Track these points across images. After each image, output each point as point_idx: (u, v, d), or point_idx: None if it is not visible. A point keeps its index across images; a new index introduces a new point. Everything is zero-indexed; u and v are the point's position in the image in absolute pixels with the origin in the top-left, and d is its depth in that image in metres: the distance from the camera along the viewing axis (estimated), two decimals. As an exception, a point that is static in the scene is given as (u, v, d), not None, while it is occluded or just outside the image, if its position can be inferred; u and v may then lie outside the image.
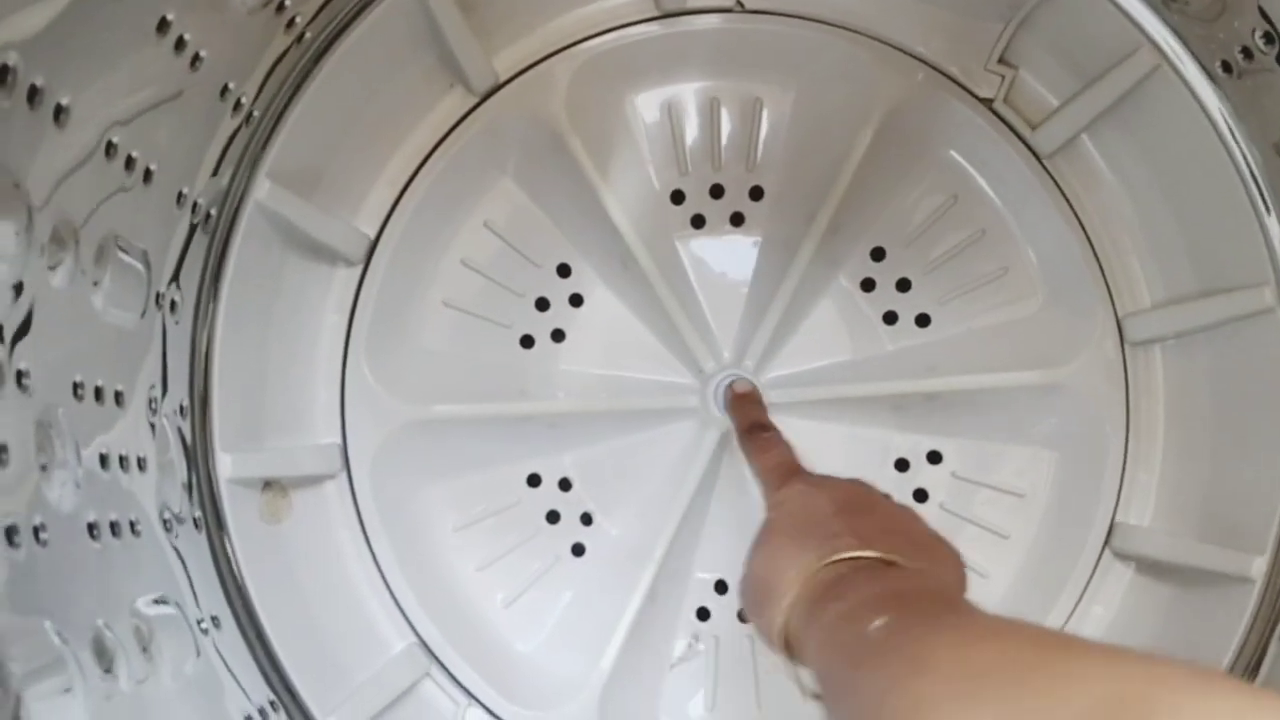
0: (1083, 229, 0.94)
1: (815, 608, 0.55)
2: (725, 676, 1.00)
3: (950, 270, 0.99)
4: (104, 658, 0.62)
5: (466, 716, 0.94)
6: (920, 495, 1.00)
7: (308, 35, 0.82)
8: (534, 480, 1.01)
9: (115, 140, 0.63)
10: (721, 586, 1.01)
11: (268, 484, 0.89)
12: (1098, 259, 0.94)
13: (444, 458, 0.98)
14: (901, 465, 1.01)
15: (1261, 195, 0.84)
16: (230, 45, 0.73)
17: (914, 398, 0.97)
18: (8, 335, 0.55)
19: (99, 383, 0.67)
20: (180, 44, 0.66)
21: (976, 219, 0.98)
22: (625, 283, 0.98)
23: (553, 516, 1.01)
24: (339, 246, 0.91)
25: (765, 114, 0.99)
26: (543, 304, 1.00)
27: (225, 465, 0.85)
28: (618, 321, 1.00)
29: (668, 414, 0.98)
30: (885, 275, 1.00)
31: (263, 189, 0.84)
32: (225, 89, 0.75)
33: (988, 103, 0.94)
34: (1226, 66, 0.81)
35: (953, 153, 0.97)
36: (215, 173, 0.79)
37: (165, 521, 0.76)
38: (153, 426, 0.76)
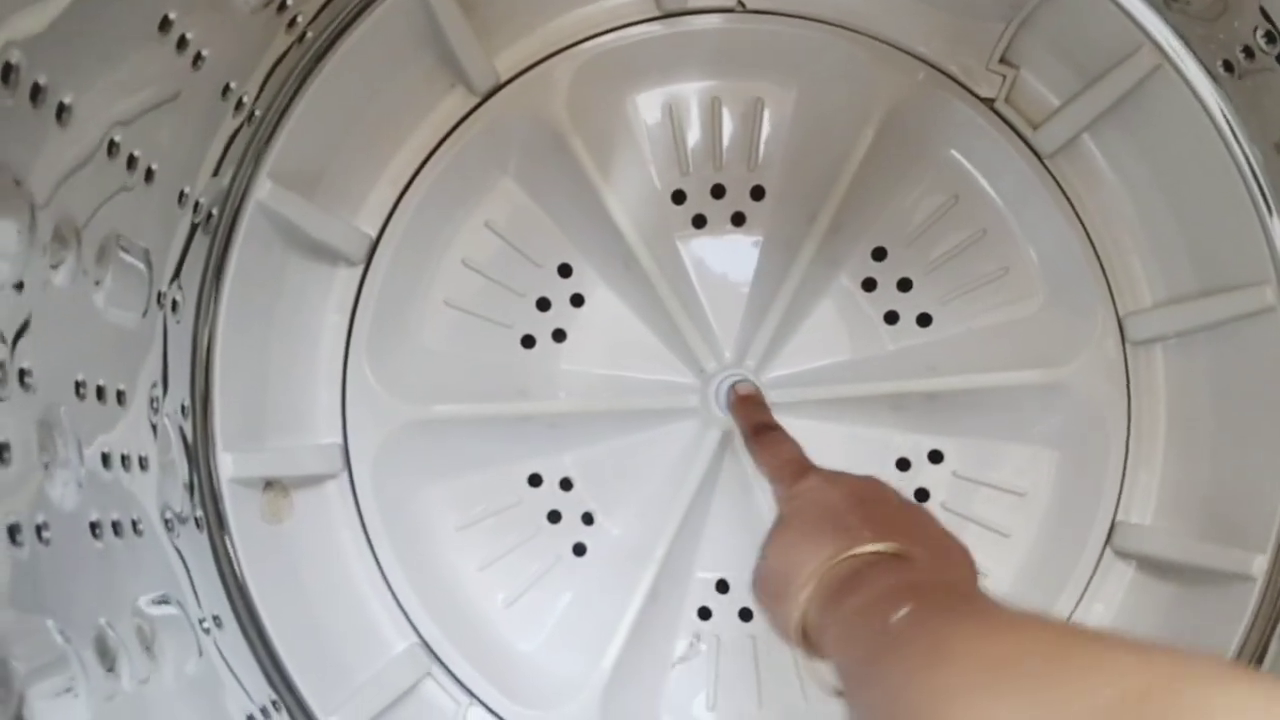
0: (1084, 228, 0.94)
1: (833, 600, 0.55)
2: (726, 676, 1.00)
3: (951, 270, 0.99)
4: (106, 657, 0.62)
5: (468, 716, 0.94)
6: (921, 494, 1.00)
7: (309, 35, 0.82)
8: (535, 480, 1.01)
9: (117, 139, 0.63)
10: (723, 586, 1.01)
11: (269, 484, 0.89)
12: (1099, 258, 0.94)
13: (445, 457, 0.98)
14: (903, 464, 1.01)
15: (1263, 194, 0.84)
16: (232, 45, 0.73)
17: (915, 397, 0.97)
18: (10, 334, 0.55)
19: (101, 382, 0.67)
20: (182, 43, 0.66)
21: (977, 218, 0.98)
22: (626, 282, 0.98)
23: (554, 516, 1.01)
24: (340, 246, 0.91)
25: (766, 114, 0.99)
26: (544, 304, 1.00)
27: (226, 465, 0.85)
28: (619, 321, 1.00)
29: (669, 414, 0.98)
30: (886, 275, 1.00)
31: (264, 188, 0.84)
32: (227, 88, 0.75)
33: (989, 102, 0.94)
34: (1228, 66, 0.81)
35: (954, 152, 0.97)
36: (216, 172, 0.79)
37: (167, 521, 0.76)
38: (154, 426, 0.76)
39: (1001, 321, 0.99)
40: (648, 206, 0.98)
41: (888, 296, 1.00)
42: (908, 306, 1.00)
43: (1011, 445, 0.99)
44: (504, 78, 0.93)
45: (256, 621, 0.85)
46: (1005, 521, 0.99)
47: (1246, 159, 0.84)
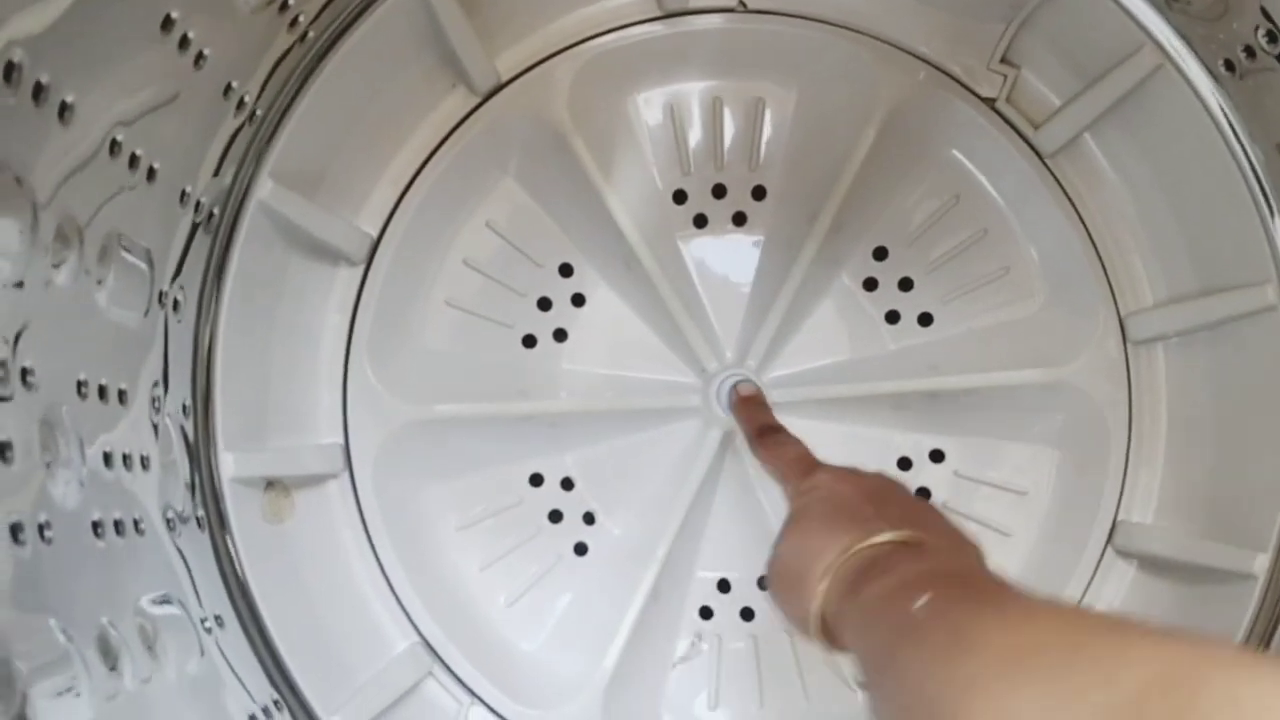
0: (1085, 228, 0.94)
1: (852, 591, 0.55)
2: (728, 675, 1.00)
3: (952, 269, 0.99)
4: (109, 656, 0.62)
5: (469, 715, 0.94)
6: (923, 494, 1.00)
7: (310, 34, 0.82)
8: (536, 480, 1.01)
9: (119, 138, 0.63)
10: (724, 585, 1.01)
11: (270, 483, 0.89)
12: (1100, 258, 0.94)
13: (446, 457, 0.98)
14: (904, 464, 1.01)
15: (1264, 194, 0.84)
16: (233, 44, 0.73)
17: (916, 396, 0.97)
18: (11, 333, 0.55)
19: (102, 381, 0.67)
20: (184, 43, 0.66)
21: (978, 218, 0.98)
22: (628, 282, 0.98)
23: (555, 516, 1.01)
24: (341, 246, 0.91)
25: (768, 114, 0.99)
26: (545, 304, 1.00)
27: (228, 464, 0.85)
28: (620, 321, 1.00)
29: (670, 413, 0.98)
30: (887, 274, 1.00)
31: (265, 188, 0.84)
32: (228, 88, 0.75)
33: (990, 102, 0.94)
34: (1229, 66, 0.81)
35: (955, 152, 0.97)
36: (218, 172, 0.79)
37: (168, 521, 0.76)
38: (155, 425, 0.76)
39: (1003, 321, 0.99)
40: (649, 206, 0.98)
41: (889, 296, 1.00)
42: (909, 306, 1.00)
43: (1013, 444, 0.99)
44: (505, 78, 0.93)
45: (258, 621, 0.85)
46: (1006, 521, 0.99)
47: (1248, 159, 0.84)
